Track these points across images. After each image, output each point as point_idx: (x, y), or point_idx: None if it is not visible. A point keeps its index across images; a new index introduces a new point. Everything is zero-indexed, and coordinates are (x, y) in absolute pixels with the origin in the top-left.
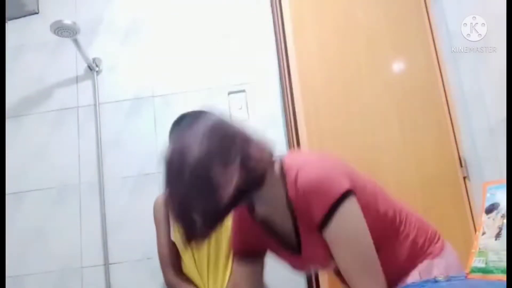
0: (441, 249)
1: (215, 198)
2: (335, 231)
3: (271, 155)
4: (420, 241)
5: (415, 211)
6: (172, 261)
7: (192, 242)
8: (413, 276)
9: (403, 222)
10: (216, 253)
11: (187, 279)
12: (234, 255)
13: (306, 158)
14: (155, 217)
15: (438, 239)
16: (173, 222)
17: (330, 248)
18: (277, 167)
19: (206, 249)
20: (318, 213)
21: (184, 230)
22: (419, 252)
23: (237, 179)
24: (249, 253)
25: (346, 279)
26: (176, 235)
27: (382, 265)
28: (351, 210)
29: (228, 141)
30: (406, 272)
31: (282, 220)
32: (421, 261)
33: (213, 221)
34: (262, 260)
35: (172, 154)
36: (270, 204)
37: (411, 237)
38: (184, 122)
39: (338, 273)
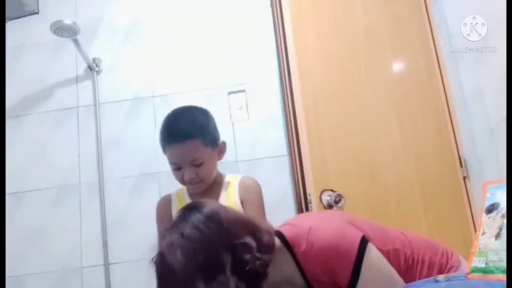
0: (459, 261)
1: None
2: (366, 285)
3: (270, 240)
4: (437, 260)
5: (417, 233)
6: None
7: None
8: None
9: (413, 250)
10: None
11: None
12: None
13: (308, 224)
14: (158, 219)
15: (452, 254)
16: None
17: None
18: (278, 245)
19: None
20: (345, 274)
21: None
22: (439, 269)
23: (237, 274)
24: None
25: None
26: None
27: None
28: (372, 257)
29: (217, 251)
30: None
31: None
32: None
33: None
34: None
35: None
36: (280, 283)
37: (426, 261)
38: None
39: None
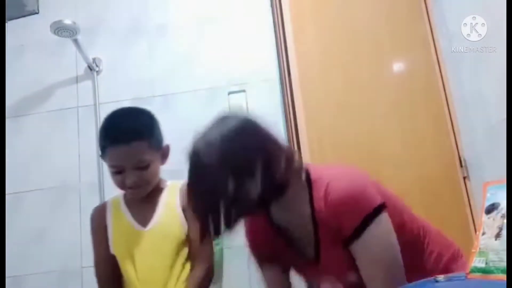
0: (466, 264)
1: (242, 195)
2: (366, 245)
3: (298, 164)
4: (445, 257)
5: (434, 226)
6: (112, 278)
7: (207, 236)
8: None
9: (427, 238)
10: (160, 264)
11: None
12: (255, 261)
13: (336, 170)
14: (92, 229)
15: (462, 255)
16: (114, 233)
17: (357, 260)
18: (302, 176)
19: (149, 259)
20: (348, 226)
21: (203, 222)
22: (444, 268)
23: (262, 181)
24: (268, 257)
25: None
26: (117, 248)
27: (408, 281)
28: (383, 225)
29: (258, 143)
30: None
31: (301, 228)
32: None
33: (234, 218)
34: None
35: (207, 145)
36: (290, 212)
37: (435, 253)
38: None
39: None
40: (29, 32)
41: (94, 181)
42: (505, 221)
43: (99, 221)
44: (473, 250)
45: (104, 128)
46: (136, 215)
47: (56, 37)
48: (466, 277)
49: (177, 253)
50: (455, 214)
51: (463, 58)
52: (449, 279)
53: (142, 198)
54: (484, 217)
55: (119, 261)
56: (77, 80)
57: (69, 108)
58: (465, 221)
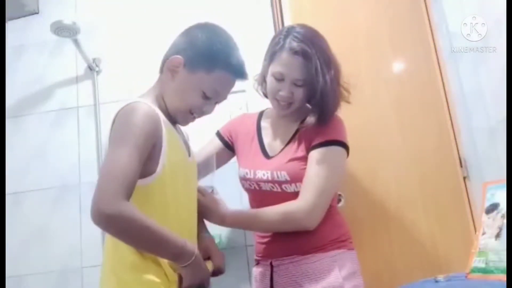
0: (352, 248)
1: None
2: (321, 156)
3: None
4: (342, 230)
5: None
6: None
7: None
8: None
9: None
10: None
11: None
12: (216, 133)
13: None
14: (143, 129)
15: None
16: (170, 153)
17: (308, 163)
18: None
19: (192, 191)
20: (319, 138)
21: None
22: (339, 236)
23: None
24: (225, 140)
25: (301, 186)
26: (170, 169)
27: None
28: (341, 154)
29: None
30: (323, 245)
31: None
32: (339, 247)
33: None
34: (225, 152)
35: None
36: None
37: (338, 221)
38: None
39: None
40: (29, 32)
41: (94, 181)
42: (505, 221)
43: (155, 127)
44: (472, 250)
45: (235, 57)
46: (181, 142)
47: (56, 37)
48: (466, 277)
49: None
50: (455, 214)
51: (463, 58)
52: (449, 279)
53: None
54: (484, 217)
55: (168, 179)
56: (77, 80)
57: (69, 108)
58: (465, 221)
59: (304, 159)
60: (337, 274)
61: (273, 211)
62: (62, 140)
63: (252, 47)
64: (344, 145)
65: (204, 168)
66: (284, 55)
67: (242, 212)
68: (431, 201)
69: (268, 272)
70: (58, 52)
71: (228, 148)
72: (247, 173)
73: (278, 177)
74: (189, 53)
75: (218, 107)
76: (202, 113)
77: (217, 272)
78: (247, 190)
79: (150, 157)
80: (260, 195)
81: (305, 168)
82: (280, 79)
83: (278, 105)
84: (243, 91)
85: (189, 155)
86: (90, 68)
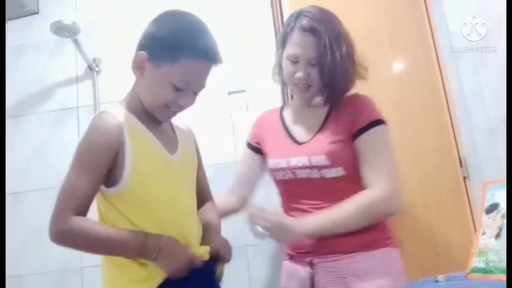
0: (396, 245)
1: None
2: (372, 139)
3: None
4: (387, 227)
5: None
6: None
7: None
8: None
9: None
10: (188, 194)
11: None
12: (247, 145)
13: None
14: (105, 144)
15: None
16: (139, 157)
17: (362, 150)
18: None
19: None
20: (364, 120)
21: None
22: (385, 233)
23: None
24: (255, 147)
25: (364, 175)
26: (143, 174)
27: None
28: (387, 133)
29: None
30: (368, 243)
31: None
32: (385, 245)
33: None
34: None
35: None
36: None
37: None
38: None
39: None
40: (29, 32)
41: None
42: (505, 221)
43: (111, 138)
44: (472, 250)
45: (201, 41)
46: (160, 140)
47: (56, 37)
48: (466, 277)
49: (194, 190)
50: (455, 214)
51: (463, 58)
52: (449, 279)
53: (158, 123)
54: (484, 217)
55: (130, 190)
56: (77, 80)
57: (69, 108)
58: (465, 221)
59: (343, 142)
60: (384, 274)
61: (353, 208)
62: (62, 140)
63: (252, 47)
64: (384, 122)
65: (249, 185)
66: (295, 35)
67: (316, 218)
68: (431, 201)
69: (308, 270)
70: (58, 52)
71: (261, 153)
72: (278, 163)
73: (316, 162)
74: (151, 47)
75: (218, 107)
76: (179, 106)
77: (216, 255)
78: (279, 181)
79: (116, 166)
80: (296, 184)
81: (345, 152)
82: (294, 61)
83: (298, 89)
84: (243, 91)
85: (175, 151)
86: (90, 68)
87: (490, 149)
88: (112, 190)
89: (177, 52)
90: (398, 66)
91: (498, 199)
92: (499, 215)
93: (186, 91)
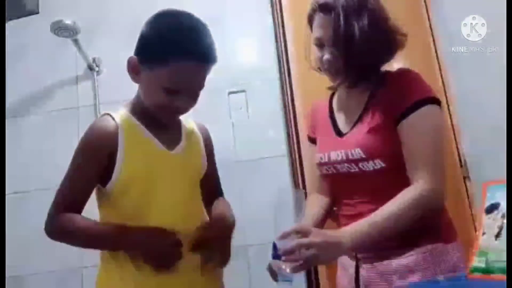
0: (451, 239)
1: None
2: (421, 119)
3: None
4: (436, 218)
5: None
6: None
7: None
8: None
9: None
10: (182, 189)
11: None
12: (308, 139)
13: None
14: (97, 146)
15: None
16: (131, 156)
17: (404, 136)
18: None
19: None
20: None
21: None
22: (433, 225)
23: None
24: (313, 138)
25: (408, 167)
26: (135, 170)
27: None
28: (439, 114)
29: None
30: (413, 238)
31: (354, 104)
32: (435, 241)
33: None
34: None
35: None
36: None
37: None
38: None
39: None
40: (29, 32)
41: None
42: (505, 221)
43: (104, 141)
44: (473, 250)
45: (190, 41)
46: (160, 138)
47: (56, 37)
48: (466, 277)
49: (196, 185)
50: (455, 214)
51: (463, 58)
52: (449, 279)
53: (164, 123)
54: (484, 217)
55: (123, 188)
56: (77, 80)
57: (69, 108)
58: (465, 221)
59: (381, 128)
60: (431, 270)
61: (399, 206)
62: (62, 140)
63: (252, 47)
64: (436, 100)
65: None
66: (316, 17)
67: (360, 225)
68: None
69: (353, 263)
70: (58, 52)
71: None
72: (321, 158)
73: (352, 155)
74: (142, 50)
75: (218, 107)
76: (176, 108)
77: (206, 242)
78: (325, 176)
79: (110, 165)
80: (339, 179)
81: (384, 142)
82: (319, 45)
83: (330, 75)
84: (243, 91)
85: (175, 147)
86: (90, 68)
87: (490, 149)
88: (107, 188)
89: (165, 54)
90: (398, 66)
91: (498, 199)
92: (499, 215)
93: (181, 93)
